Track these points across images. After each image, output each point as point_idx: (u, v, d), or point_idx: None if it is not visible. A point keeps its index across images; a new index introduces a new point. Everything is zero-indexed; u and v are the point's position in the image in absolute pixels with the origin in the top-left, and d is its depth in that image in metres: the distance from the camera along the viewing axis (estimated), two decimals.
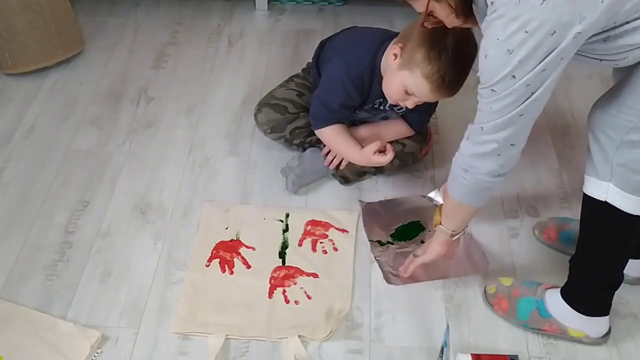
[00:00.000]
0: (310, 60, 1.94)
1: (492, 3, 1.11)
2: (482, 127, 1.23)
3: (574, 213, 1.77)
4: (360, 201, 1.81)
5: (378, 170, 1.85)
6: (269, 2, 2.57)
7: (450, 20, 1.26)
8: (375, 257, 1.67)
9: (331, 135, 1.79)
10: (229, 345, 1.49)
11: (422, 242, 1.70)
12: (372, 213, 1.77)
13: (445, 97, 1.64)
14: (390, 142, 1.81)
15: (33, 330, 1.49)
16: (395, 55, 1.61)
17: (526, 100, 1.16)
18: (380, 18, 2.50)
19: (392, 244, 1.71)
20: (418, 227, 1.75)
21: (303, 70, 1.96)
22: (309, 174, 1.84)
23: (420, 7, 1.26)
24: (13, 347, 1.45)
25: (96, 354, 1.46)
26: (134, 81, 2.22)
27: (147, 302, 1.57)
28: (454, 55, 1.52)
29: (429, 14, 1.26)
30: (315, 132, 1.82)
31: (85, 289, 1.60)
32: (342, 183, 1.86)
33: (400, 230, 1.74)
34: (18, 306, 1.54)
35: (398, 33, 1.69)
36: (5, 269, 1.63)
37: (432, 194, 1.82)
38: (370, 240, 1.71)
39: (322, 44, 1.90)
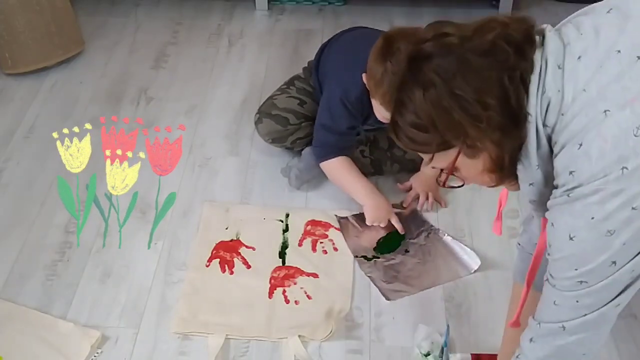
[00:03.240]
0: (311, 59, 1.92)
1: (571, 173, 0.91)
2: (563, 326, 1.01)
3: None
4: (336, 215, 1.77)
5: (377, 172, 1.84)
6: (269, 2, 2.57)
7: (482, 179, 1.04)
8: (366, 274, 1.63)
9: (338, 167, 1.75)
10: (229, 345, 1.48)
11: (407, 251, 1.68)
12: (349, 228, 1.74)
13: None
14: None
15: (33, 330, 1.49)
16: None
17: (627, 287, 0.98)
18: (380, 18, 2.49)
19: (377, 257, 1.68)
20: (397, 237, 1.71)
21: (304, 69, 1.94)
22: (310, 168, 1.82)
23: (441, 163, 1.01)
24: (13, 347, 1.45)
25: (96, 354, 1.46)
26: (134, 81, 2.22)
27: (147, 302, 1.57)
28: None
29: (452, 171, 1.02)
30: (322, 165, 1.77)
31: (85, 289, 1.60)
32: None
33: (382, 243, 1.70)
34: (18, 306, 1.54)
35: None
36: (5, 269, 1.63)
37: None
38: (356, 257, 1.67)
39: (322, 48, 1.87)
